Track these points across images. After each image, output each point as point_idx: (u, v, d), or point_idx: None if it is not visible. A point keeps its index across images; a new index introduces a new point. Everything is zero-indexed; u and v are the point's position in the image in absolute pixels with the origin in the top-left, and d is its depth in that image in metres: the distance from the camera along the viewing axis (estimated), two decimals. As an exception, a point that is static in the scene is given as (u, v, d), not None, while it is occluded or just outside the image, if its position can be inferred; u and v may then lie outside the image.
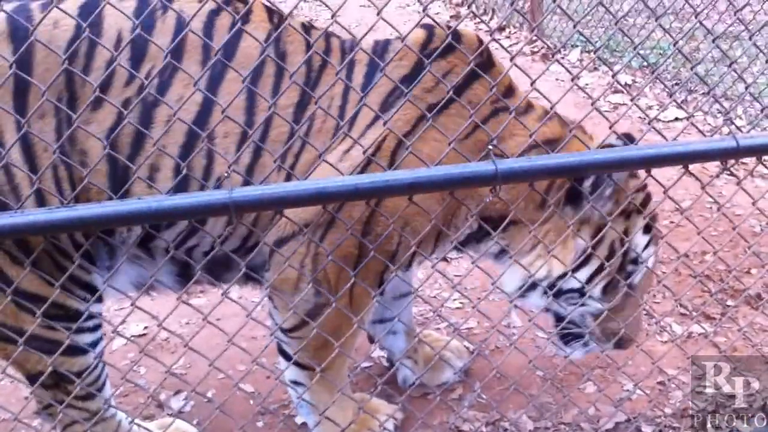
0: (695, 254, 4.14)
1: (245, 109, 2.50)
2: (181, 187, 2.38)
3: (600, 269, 2.69)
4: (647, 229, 2.76)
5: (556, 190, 2.69)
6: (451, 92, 2.48)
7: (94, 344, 2.67)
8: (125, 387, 3.26)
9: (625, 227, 2.71)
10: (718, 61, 6.00)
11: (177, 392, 3.31)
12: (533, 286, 2.73)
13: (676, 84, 6.32)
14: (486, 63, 2.70)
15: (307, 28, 2.69)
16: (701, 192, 2.66)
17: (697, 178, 2.63)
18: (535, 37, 7.13)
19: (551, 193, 2.69)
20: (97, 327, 2.70)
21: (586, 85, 6.36)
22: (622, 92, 6.18)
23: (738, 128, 5.19)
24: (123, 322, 2.48)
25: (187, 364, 3.45)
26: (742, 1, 4.53)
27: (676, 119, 5.71)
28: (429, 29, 2.72)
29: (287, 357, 2.77)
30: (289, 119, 2.52)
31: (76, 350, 2.58)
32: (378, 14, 2.28)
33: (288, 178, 2.50)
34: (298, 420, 3.09)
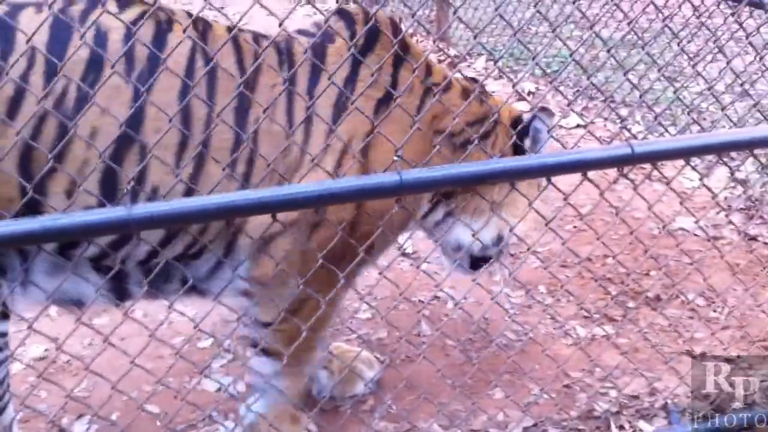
0: (597, 258, 4.25)
1: (180, 120, 2.42)
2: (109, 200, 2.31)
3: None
4: None
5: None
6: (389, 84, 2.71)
7: (-2, 365, 2.57)
8: (25, 412, 3.14)
9: None
10: (617, 68, 6.18)
11: (80, 416, 3.20)
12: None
13: (578, 91, 6.50)
14: (404, 46, 2.79)
15: (234, 32, 2.64)
16: (600, 198, 2.74)
17: (596, 185, 2.69)
18: (440, 46, 7.22)
19: None
20: (3, 347, 2.58)
21: (493, 92, 6.45)
22: (526, 100, 6.31)
23: (634, 135, 5.35)
24: (21, 344, 2.39)
25: (90, 386, 3.35)
26: (640, 10, 4.71)
27: (578, 126, 5.85)
28: (347, 19, 2.78)
29: (263, 350, 2.81)
30: (231, 125, 2.48)
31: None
32: (280, 25, 2.29)
33: (242, 186, 2.50)
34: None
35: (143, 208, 2.11)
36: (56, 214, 2.12)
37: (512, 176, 2.61)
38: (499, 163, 2.56)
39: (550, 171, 2.60)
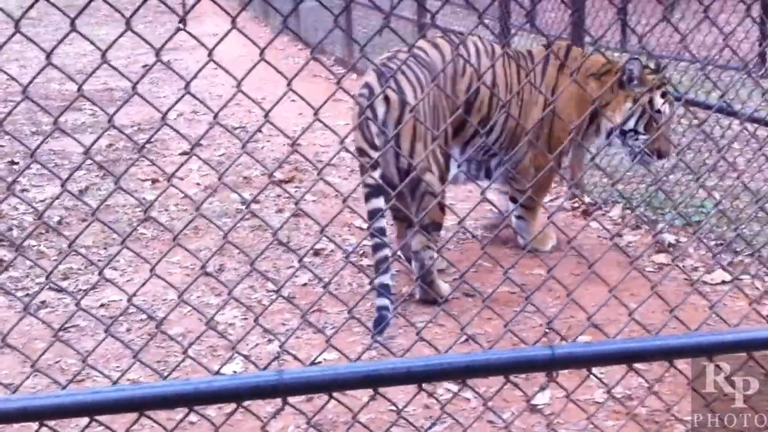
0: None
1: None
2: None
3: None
4: (663, 95, 5.31)
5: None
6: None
7: None
8: None
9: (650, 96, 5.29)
10: (765, 223, 5.93)
11: None
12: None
13: (721, 245, 6.21)
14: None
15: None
16: None
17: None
18: (574, 193, 7.14)
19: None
20: None
21: (629, 243, 6.28)
22: (666, 252, 6.08)
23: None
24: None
25: None
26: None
27: (723, 282, 5.58)
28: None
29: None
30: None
31: None
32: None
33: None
34: None
35: (293, 373, 2.14)
36: (207, 377, 2.15)
37: (670, 354, 2.48)
38: (656, 341, 2.44)
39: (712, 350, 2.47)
